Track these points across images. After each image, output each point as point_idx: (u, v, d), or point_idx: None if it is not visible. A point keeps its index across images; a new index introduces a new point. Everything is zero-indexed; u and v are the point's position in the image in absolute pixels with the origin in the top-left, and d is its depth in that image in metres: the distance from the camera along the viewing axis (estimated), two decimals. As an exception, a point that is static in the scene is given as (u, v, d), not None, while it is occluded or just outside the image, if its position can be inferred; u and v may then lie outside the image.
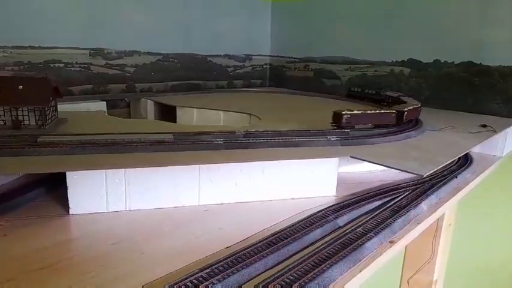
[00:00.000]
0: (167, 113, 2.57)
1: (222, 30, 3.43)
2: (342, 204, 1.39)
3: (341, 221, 1.28)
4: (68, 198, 1.26)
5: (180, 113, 2.47)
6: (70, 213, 1.26)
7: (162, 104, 2.62)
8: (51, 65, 2.41)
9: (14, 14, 2.21)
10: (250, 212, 1.36)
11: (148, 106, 2.66)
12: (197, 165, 1.36)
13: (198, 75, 3.30)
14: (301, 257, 1.04)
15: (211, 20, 3.32)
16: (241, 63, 3.71)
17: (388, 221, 1.25)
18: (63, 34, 2.43)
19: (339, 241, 1.11)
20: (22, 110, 1.53)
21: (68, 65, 2.48)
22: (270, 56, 3.92)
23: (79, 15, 2.50)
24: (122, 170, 1.29)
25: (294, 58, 3.76)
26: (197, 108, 2.46)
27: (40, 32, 2.33)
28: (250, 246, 1.09)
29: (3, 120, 1.53)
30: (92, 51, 2.60)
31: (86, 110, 2.23)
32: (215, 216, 1.32)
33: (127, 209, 1.32)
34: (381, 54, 3.10)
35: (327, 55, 3.52)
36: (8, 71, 2.24)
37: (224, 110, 2.42)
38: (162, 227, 1.23)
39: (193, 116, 2.45)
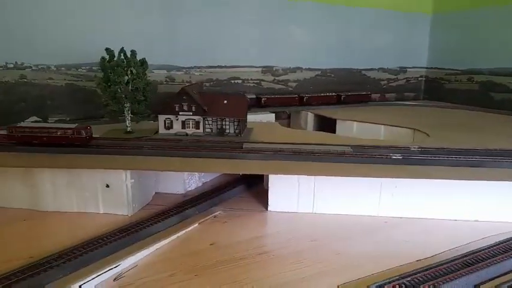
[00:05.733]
0: (326, 125, 2.71)
1: (379, 45, 3.44)
2: (542, 233, 1.28)
3: (545, 251, 1.18)
4: (267, 197, 1.50)
5: (339, 125, 2.59)
6: (268, 209, 1.49)
7: (322, 116, 2.78)
8: (232, 81, 2.83)
9: (206, 40, 2.68)
10: (433, 230, 1.37)
11: (309, 118, 2.86)
12: (379, 178, 1.44)
13: (352, 88, 3.38)
14: (503, 282, 1.02)
15: (369, 36, 3.37)
16: (395, 76, 3.64)
17: None
18: (243, 55, 2.84)
19: (549, 272, 1.04)
20: (225, 121, 1.87)
21: (245, 81, 2.88)
22: (426, 68, 3.74)
23: (254, 38, 2.87)
24: (312, 177, 1.46)
25: (455, 70, 3.50)
26: (357, 121, 2.54)
27: (225, 54, 2.77)
28: (444, 263, 1.11)
29: (210, 128, 1.89)
30: (263, 69, 2.95)
31: (258, 121, 2.53)
32: (397, 229, 1.38)
33: (313, 212, 1.49)
34: None
35: (496, 66, 3.18)
36: (190, 86, 2.73)
37: (385, 124, 2.43)
38: (349, 232, 1.35)
39: (352, 129, 2.54)
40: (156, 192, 1.61)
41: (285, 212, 1.48)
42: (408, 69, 3.69)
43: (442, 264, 1.10)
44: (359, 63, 3.40)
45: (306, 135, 2.25)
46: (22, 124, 1.60)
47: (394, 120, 2.51)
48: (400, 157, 1.56)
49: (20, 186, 1.41)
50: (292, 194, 1.48)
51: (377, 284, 0.99)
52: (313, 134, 2.19)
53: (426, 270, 1.07)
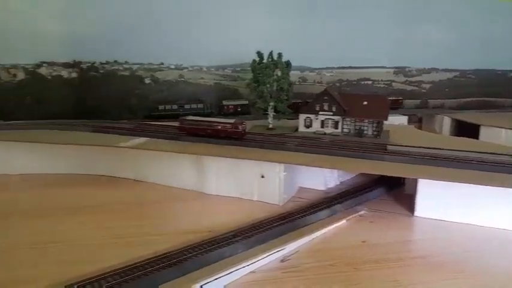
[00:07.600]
0: (465, 131, 2.51)
1: (532, 41, 3.03)
2: None
3: None
4: (411, 202, 1.48)
5: (484, 131, 2.37)
6: (414, 214, 1.47)
7: (461, 121, 2.59)
8: (362, 82, 2.82)
9: (338, 41, 2.71)
10: None
11: (444, 122, 2.68)
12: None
13: (494, 91, 3.05)
14: None
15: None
16: (551, 78, 3.16)
17: None
18: (374, 55, 2.80)
19: None
20: (364, 122, 1.89)
21: (375, 82, 2.84)
22: None
23: (387, 37, 2.79)
24: (465, 185, 1.38)
25: None
26: (506, 128, 2.30)
27: (357, 54, 2.76)
28: None
29: (348, 129, 1.93)
30: (395, 70, 2.87)
31: (389, 123, 2.46)
32: None
33: (464, 222, 1.41)
34: None
35: None
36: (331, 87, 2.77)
37: (543, 134, 2.15)
38: (508, 247, 1.25)
39: (500, 136, 2.30)
40: (299, 187, 1.73)
41: (433, 219, 1.44)
42: None
43: None
44: (505, 64, 3.04)
45: (450, 140, 2.13)
46: (189, 118, 1.86)
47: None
48: None
49: (190, 170, 1.66)
50: (442, 201, 1.43)
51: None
52: (457, 140, 2.05)
53: None
